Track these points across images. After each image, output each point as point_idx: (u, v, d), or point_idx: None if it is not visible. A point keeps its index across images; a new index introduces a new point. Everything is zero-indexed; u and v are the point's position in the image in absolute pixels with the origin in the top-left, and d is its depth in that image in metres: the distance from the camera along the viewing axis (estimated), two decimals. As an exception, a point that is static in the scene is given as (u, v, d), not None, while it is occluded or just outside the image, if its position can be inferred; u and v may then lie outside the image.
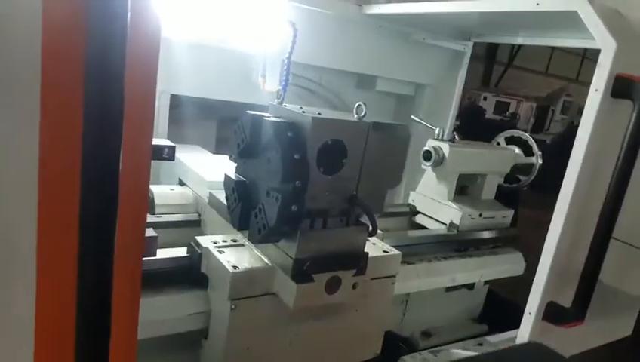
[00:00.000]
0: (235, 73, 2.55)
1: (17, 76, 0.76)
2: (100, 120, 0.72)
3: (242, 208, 1.42)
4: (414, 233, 2.52)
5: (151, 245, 1.58)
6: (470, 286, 2.49)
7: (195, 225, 1.85)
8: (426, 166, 2.57)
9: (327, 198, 1.39)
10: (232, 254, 1.46)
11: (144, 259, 1.54)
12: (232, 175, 1.49)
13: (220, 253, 1.46)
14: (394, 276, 1.72)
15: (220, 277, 1.42)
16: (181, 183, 2.03)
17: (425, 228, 2.63)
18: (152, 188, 1.85)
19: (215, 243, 1.51)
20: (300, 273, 1.37)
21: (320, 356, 1.63)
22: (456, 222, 2.51)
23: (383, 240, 1.85)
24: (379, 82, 3.12)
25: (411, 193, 2.76)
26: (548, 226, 1.74)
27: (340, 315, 1.61)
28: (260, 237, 1.35)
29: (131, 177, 0.85)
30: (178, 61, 2.31)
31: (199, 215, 1.89)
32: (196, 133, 3.07)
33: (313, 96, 2.99)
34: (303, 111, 1.36)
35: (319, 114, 1.37)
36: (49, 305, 0.82)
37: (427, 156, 2.55)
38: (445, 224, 2.55)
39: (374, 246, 1.73)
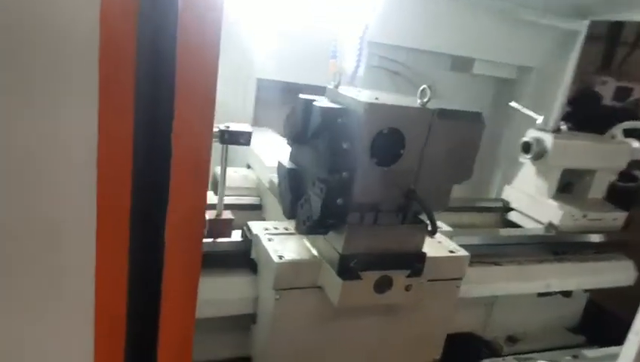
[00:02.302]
0: (319, 57, 2.50)
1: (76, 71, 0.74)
2: (150, 100, 0.68)
3: (292, 197, 1.36)
4: (505, 231, 2.30)
5: (226, 226, 1.62)
6: (567, 294, 2.22)
7: (256, 209, 1.85)
8: (525, 158, 2.32)
9: (380, 192, 1.29)
10: (280, 243, 1.42)
11: (208, 240, 1.57)
12: (286, 162, 1.44)
13: (270, 240, 1.43)
14: (459, 279, 1.56)
15: (266, 265, 1.39)
16: (249, 167, 2.05)
17: (519, 226, 2.39)
18: (217, 169, 1.88)
19: (266, 229, 1.49)
20: (347, 269, 1.28)
21: (370, 355, 1.54)
22: (556, 222, 2.25)
23: (452, 238, 1.70)
24: (476, 64, 2.85)
25: (506, 187, 2.53)
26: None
27: (394, 316, 1.50)
28: (305, 228, 1.29)
29: (191, 159, 0.81)
30: (264, 45, 2.33)
31: (261, 199, 1.89)
32: (281, 116, 3.09)
33: (400, 80, 2.83)
34: (358, 96, 1.26)
35: (376, 98, 1.27)
36: (105, 288, 0.81)
37: (526, 148, 2.30)
38: (543, 224, 2.29)
39: (439, 246, 1.58)
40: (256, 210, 1.85)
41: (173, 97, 0.66)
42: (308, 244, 1.44)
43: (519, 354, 2.09)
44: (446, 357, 1.90)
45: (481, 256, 1.93)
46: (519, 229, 2.29)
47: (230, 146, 2.29)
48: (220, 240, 1.54)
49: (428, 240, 1.61)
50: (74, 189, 0.74)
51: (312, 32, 2.32)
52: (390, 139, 1.25)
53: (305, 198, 1.29)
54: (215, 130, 1.51)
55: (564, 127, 2.37)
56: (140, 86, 0.64)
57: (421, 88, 1.31)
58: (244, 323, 1.54)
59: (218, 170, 1.91)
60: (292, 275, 1.35)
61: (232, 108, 2.49)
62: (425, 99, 1.29)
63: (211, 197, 1.61)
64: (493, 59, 2.85)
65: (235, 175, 1.91)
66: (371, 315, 1.47)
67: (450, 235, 1.74)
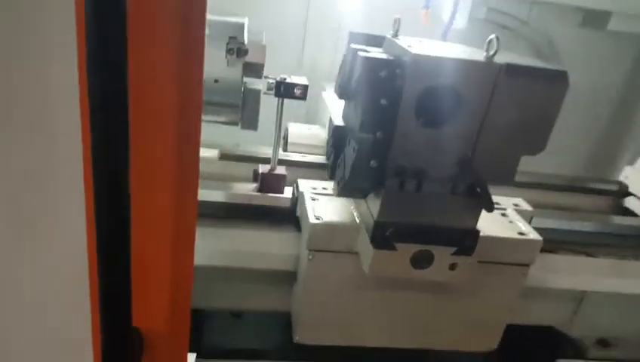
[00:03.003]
0: (413, 6, 2.30)
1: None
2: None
3: (335, 155, 1.28)
4: (613, 219, 1.96)
5: (279, 182, 1.62)
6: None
7: (321, 168, 1.79)
8: None
9: (426, 156, 1.14)
10: (323, 204, 1.36)
11: (257, 194, 1.58)
12: (336, 118, 1.35)
13: (313, 199, 1.37)
14: (526, 265, 1.35)
15: (305, 224, 1.35)
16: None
17: (635, 215, 2.01)
18: (290, 125, 1.85)
19: (314, 189, 1.43)
20: (381, 238, 1.18)
21: (413, 334, 1.43)
22: (682, 213, 1.85)
23: (531, 220, 1.47)
24: (613, 19, 2.38)
25: (626, 168, 2.13)
26: None
27: (442, 296, 1.37)
28: (339, 189, 1.21)
29: (178, 112, 0.79)
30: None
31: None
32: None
33: (513, 37, 2.49)
34: (410, 47, 1.11)
35: (434, 49, 1.11)
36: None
37: (655, 121, 1.90)
38: (666, 215, 1.91)
39: (509, 226, 1.38)
40: (321, 169, 1.80)
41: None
42: (352, 208, 1.36)
43: (609, 360, 1.80)
44: (519, 348, 1.73)
45: (571, 243, 1.68)
46: (627, 218, 1.92)
47: (314, 104, 2.24)
48: (269, 195, 1.53)
49: (498, 218, 1.43)
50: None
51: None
52: (441, 96, 1.09)
53: (341, 158, 1.20)
54: (271, 81, 1.47)
55: None
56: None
57: (489, 38, 1.12)
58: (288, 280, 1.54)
59: (288, 125, 1.89)
60: (327, 237, 1.28)
61: (320, 63, 2.43)
62: (491, 52, 1.10)
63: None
64: (637, 12, 2.35)
65: (305, 132, 1.87)
66: (415, 291, 1.36)
67: (529, 216, 1.52)
